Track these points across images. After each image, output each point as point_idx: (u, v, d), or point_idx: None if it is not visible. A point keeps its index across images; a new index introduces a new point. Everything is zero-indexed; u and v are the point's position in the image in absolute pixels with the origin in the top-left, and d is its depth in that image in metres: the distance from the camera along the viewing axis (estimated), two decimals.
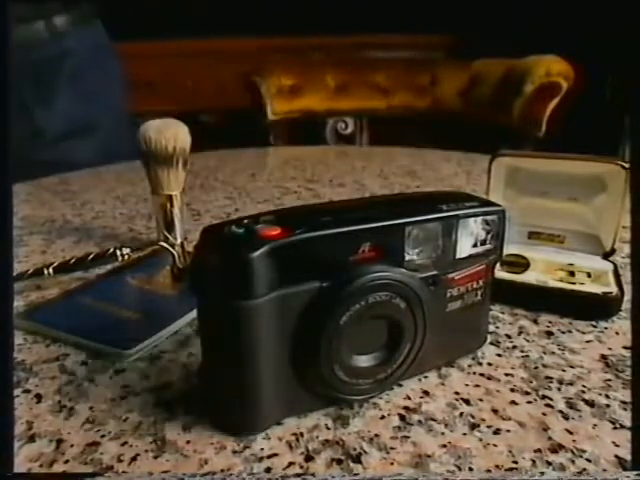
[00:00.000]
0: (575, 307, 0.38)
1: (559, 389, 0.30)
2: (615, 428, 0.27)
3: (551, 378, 0.31)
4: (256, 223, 0.25)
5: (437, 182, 0.76)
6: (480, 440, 0.27)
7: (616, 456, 0.26)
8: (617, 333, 0.36)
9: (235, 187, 0.74)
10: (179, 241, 0.43)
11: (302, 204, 0.31)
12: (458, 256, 0.30)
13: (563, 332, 0.36)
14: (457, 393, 0.30)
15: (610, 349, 0.34)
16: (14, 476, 0.24)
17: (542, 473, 0.25)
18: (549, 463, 0.25)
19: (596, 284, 0.40)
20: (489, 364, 0.33)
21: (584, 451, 0.26)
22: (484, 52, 1.38)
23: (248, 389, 0.26)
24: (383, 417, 0.28)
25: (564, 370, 0.32)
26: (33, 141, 0.83)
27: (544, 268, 0.42)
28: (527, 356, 0.34)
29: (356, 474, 0.25)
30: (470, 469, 0.25)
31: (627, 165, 0.39)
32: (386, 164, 0.87)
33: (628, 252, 0.43)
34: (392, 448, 0.26)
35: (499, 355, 0.34)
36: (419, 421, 0.28)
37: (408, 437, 0.27)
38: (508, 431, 0.27)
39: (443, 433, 0.27)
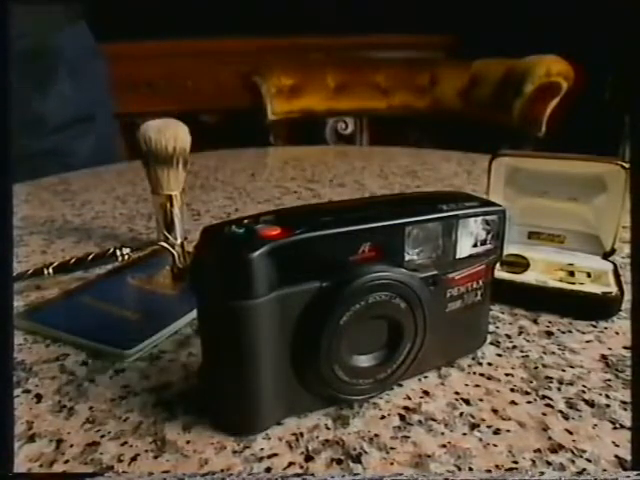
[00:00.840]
0: (575, 307, 0.38)
1: (559, 389, 0.30)
2: (615, 428, 0.27)
3: (551, 378, 0.31)
4: (256, 223, 0.25)
5: (437, 182, 0.76)
6: (480, 440, 0.27)
7: (616, 456, 0.26)
8: (617, 333, 0.36)
9: (235, 187, 0.74)
10: (179, 241, 0.43)
11: (302, 204, 0.31)
12: (458, 256, 0.30)
13: (563, 332, 0.36)
14: (457, 393, 0.30)
15: (610, 349, 0.34)
16: (14, 476, 0.24)
17: (542, 473, 0.25)
18: (549, 463, 0.25)
19: (596, 284, 0.40)
20: (489, 364, 0.33)
21: (584, 451, 0.26)
22: (484, 52, 1.38)
23: (248, 389, 0.26)
24: (383, 417, 0.28)
25: (564, 370, 0.32)
26: (33, 129, 0.84)
27: (544, 268, 0.42)
28: (527, 356, 0.34)
29: (356, 474, 0.25)
30: (470, 469, 0.25)
31: (627, 165, 0.39)
32: (386, 164, 0.87)
33: (628, 252, 0.43)
34: (392, 448, 0.26)
35: (499, 355, 0.34)
36: (419, 421, 0.28)
37: (408, 437, 0.27)
38: (508, 431, 0.27)
39: (443, 433, 0.27)
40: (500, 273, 0.40)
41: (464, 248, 0.30)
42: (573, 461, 0.25)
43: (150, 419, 0.28)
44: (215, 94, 1.72)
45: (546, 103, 1.20)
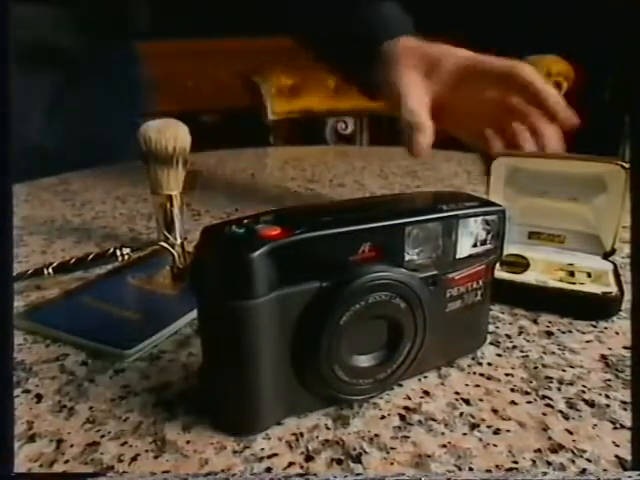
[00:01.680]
0: (575, 307, 0.38)
1: (559, 389, 0.30)
2: (615, 428, 0.27)
3: (551, 378, 0.31)
4: (256, 223, 0.25)
5: (437, 182, 0.76)
6: (480, 440, 0.27)
7: (616, 456, 0.26)
8: (617, 333, 0.36)
9: (235, 187, 0.74)
10: (179, 241, 0.43)
11: (302, 204, 0.31)
12: (458, 256, 0.30)
13: (563, 332, 0.36)
14: (457, 393, 0.30)
15: (610, 349, 0.34)
16: (14, 476, 0.24)
17: (543, 473, 0.25)
18: (549, 463, 0.25)
19: (596, 284, 0.40)
20: (489, 364, 0.33)
21: (584, 451, 0.26)
22: (484, 52, 1.38)
23: (248, 389, 0.26)
24: (383, 417, 0.28)
25: (564, 370, 0.32)
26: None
27: (544, 268, 0.42)
28: (527, 356, 0.34)
29: (356, 474, 0.25)
30: (470, 469, 0.25)
31: (627, 165, 0.39)
32: (386, 164, 0.87)
33: (628, 252, 0.43)
34: (392, 448, 0.26)
35: (499, 355, 0.34)
36: (419, 421, 0.28)
37: (408, 437, 0.27)
38: (508, 431, 0.27)
39: (443, 433, 0.27)
40: (500, 273, 0.40)
41: (464, 248, 0.30)
42: (573, 461, 0.25)
43: (150, 419, 0.28)
44: (215, 94, 1.72)
45: None
